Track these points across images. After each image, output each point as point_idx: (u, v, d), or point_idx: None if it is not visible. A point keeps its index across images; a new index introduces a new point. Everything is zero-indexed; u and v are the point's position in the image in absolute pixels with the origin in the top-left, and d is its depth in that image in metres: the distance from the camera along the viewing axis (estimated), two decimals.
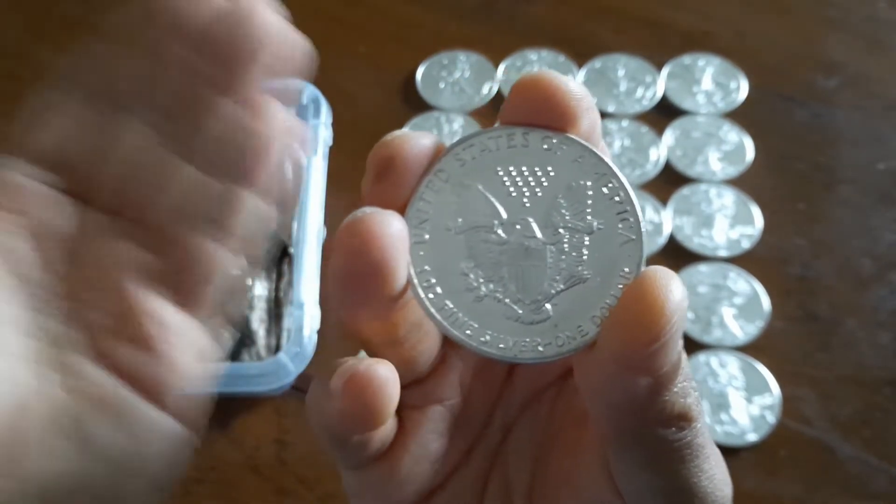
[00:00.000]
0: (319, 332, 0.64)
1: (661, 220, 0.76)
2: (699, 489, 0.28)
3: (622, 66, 0.88)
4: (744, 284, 0.73)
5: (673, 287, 0.24)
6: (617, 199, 0.28)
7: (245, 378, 0.62)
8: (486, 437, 0.33)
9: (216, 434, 0.68)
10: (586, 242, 0.27)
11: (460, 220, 0.28)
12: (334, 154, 0.74)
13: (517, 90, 0.28)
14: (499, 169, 0.28)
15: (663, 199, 0.78)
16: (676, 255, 0.75)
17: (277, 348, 0.68)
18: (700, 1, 0.92)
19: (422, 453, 0.31)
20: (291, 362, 0.62)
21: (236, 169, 0.32)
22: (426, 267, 0.28)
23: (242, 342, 0.68)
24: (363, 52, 0.90)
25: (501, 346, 0.27)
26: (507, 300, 0.27)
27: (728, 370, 0.69)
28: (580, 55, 0.89)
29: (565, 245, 0.27)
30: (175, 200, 0.32)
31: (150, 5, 0.32)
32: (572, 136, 0.28)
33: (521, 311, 0.27)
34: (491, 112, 0.85)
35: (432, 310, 0.27)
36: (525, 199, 0.28)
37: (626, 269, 0.27)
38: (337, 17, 0.94)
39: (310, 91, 0.74)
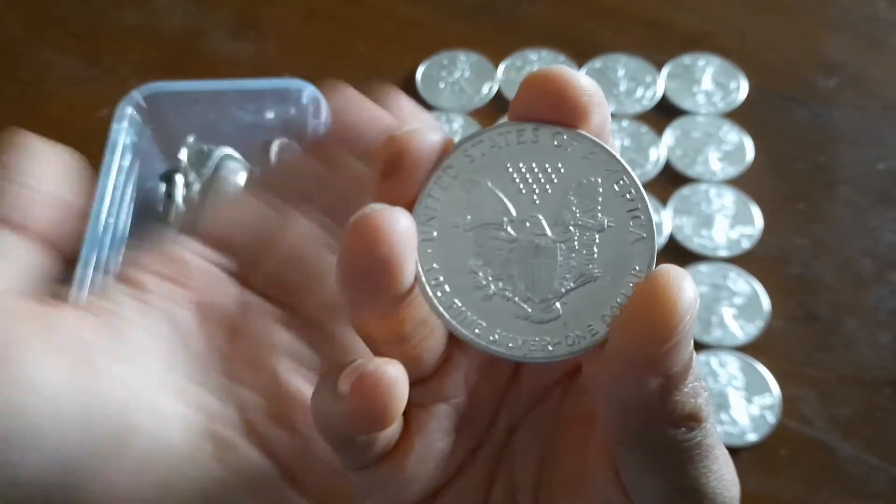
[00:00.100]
0: None
1: (660, 220, 0.76)
2: (708, 490, 0.28)
3: (622, 66, 0.88)
4: (744, 284, 0.73)
5: (685, 286, 0.24)
6: (628, 196, 0.27)
7: None
8: (492, 436, 0.33)
9: None
10: (597, 240, 0.27)
11: (469, 217, 0.28)
12: None
13: (527, 85, 0.27)
14: (508, 165, 0.28)
15: (663, 199, 0.78)
16: (676, 255, 0.75)
17: None
18: (700, 1, 0.93)
19: (427, 452, 0.30)
20: None
21: None
22: (434, 265, 0.27)
23: None
24: (363, 52, 0.90)
25: (510, 345, 0.27)
26: (516, 298, 0.27)
27: (728, 370, 0.69)
28: (580, 55, 0.89)
29: (575, 243, 0.27)
30: (329, 294, 0.35)
31: (338, 123, 0.35)
32: (583, 133, 0.28)
33: (530, 310, 0.27)
34: (491, 112, 0.85)
35: (440, 308, 0.27)
36: (535, 196, 0.27)
37: (637, 268, 0.27)
38: (337, 17, 0.94)
39: (310, 91, 0.74)
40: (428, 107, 0.86)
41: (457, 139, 0.28)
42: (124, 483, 0.32)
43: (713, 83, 0.86)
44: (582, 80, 0.27)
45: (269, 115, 0.77)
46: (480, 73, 0.88)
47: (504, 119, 0.29)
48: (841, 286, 0.73)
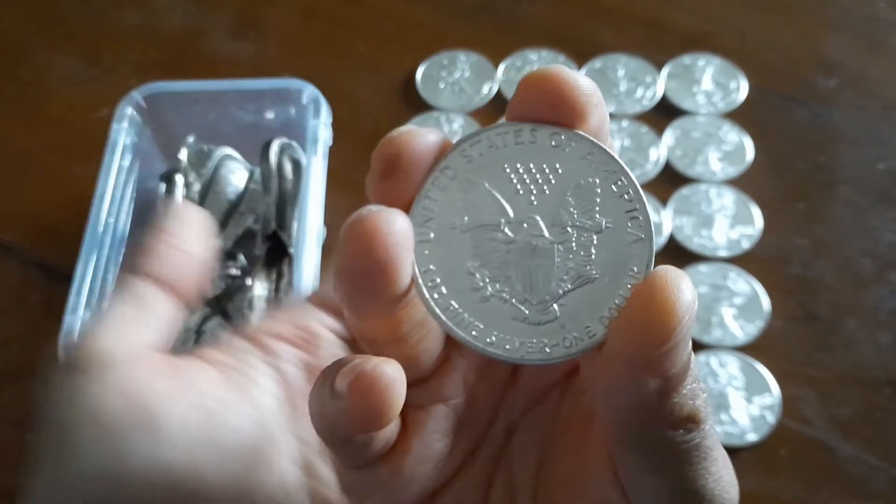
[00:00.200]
0: None
1: (660, 221, 0.76)
2: (707, 491, 0.28)
3: (622, 66, 0.88)
4: (744, 284, 0.73)
5: (683, 287, 0.24)
6: (626, 197, 0.27)
7: None
8: (490, 437, 0.33)
9: None
10: (595, 241, 0.27)
11: (466, 218, 0.27)
12: (334, 154, 0.74)
13: (525, 85, 0.27)
14: (506, 166, 0.28)
15: (663, 200, 0.78)
16: (676, 255, 0.75)
17: None
18: (700, 1, 0.93)
19: (425, 453, 0.30)
20: None
21: None
22: (431, 266, 0.27)
23: None
24: (363, 52, 0.90)
25: (508, 346, 0.27)
26: (513, 300, 0.27)
27: (728, 370, 0.69)
28: (580, 55, 0.89)
29: (573, 244, 0.27)
30: None
31: None
32: (581, 133, 0.27)
33: (527, 312, 0.27)
34: (491, 112, 0.85)
35: (437, 310, 0.27)
36: (532, 197, 0.27)
37: (636, 269, 0.26)
38: (337, 17, 0.94)
39: (310, 91, 0.74)
40: (428, 107, 0.86)
41: (456, 139, 0.28)
42: None
43: (713, 83, 0.86)
44: (580, 80, 0.27)
45: (269, 115, 0.77)
46: (480, 73, 0.88)
47: (502, 119, 0.28)
48: (841, 286, 0.73)
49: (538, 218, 0.27)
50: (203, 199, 0.73)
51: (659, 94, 0.85)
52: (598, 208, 0.27)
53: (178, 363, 0.38)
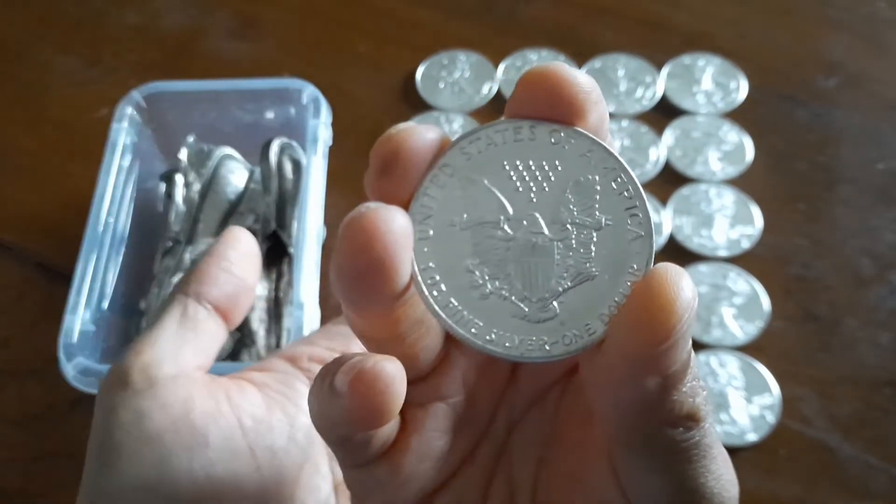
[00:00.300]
0: None
1: (660, 220, 0.76)
2: (706, 490, 0.28)
3: (622, 66, 0.88)
4: (744, 284, 0.73)
5: (683, 285, 0.24)
6: (626, 194, 0.27)
7: None
8: (490, 436, 0.33)
9: None
10: (594, 239, 0.27)
11: (465, 215, 0.27)
12: (334, 154, 0.74)
13: (524, 82, 0.27)
14: (505, 163, 0.28)
15: (663, 199, 0.78)
16: (676, 255, 0.75)
17: (277, 348, 0.68)
18: (700, 1, 0.93)
19: (425, 451, 0.30)
20: None
21: None
22: (430, 264, 0.27)
23: (242, 342, 0.68)
24: (363, 52, 0.90)
25: (507, 344, 0.27)
26: (513, 298, 0.27)
27: (728, 370, 0.69)
28: (580, 55, 0.89)
29: (573, 241, 0.27)
30: None
31: None
32: (580, 130, 0.27)
33: (527, 309, 0.27)
34: (491, 112, 0.85)
35: (436, 307, 0.27)
36: (532, 195, 0.27)
37: (635, 266, 0.26)
38: (337, 17, 0.94)
39: (310, 91, 0.74)
40: (428, 107, 0.86)
41: (462, 133, 0.28)
42: None
43: (713, 83, 0.86)
44: (579, 77, 0.26)
45: (269, 115, 0.77)
46: (480, 73, 0.88)
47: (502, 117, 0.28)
48: (841, 286, 0.73)
49: (538, 215, 0.27)
50: (203, 199, 0.73)
51: (659, 94, 0.85)
52: (597, 205, 0.27)
53: (223, 383, 0.40)
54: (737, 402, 0.67)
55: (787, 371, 0.69)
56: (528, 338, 0.27)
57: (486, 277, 0.27)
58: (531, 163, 0.27)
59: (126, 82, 0.81)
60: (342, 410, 0.27)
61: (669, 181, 0.79)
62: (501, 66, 0.88)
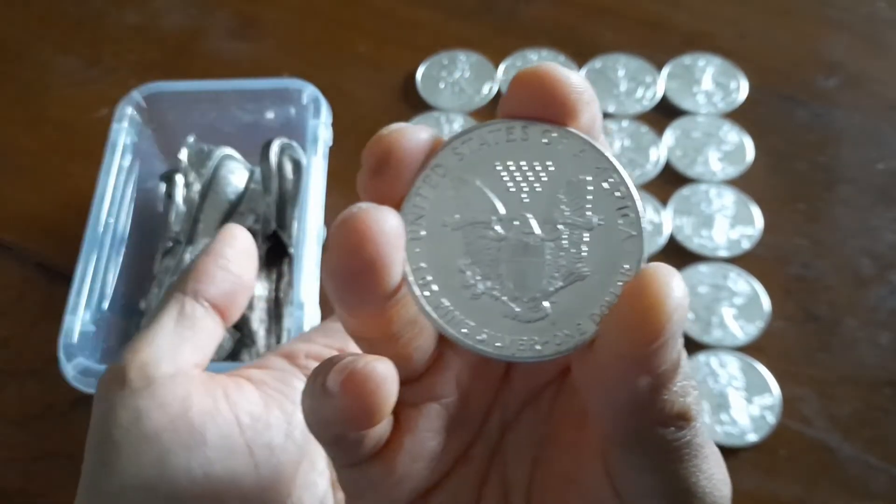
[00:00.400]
0: None
1: (661, 221, 0.76)
2: (698, 489, 0.28)
3: (622, 66, 0.88)
4: (744, 284, 0.73)
5: (674, 284, 0.24)
6: (618, 194, 0.27)
7: None
8: (485, 436, 0.33)
9: None
10: (586, 239, 0.27)
11: (457, 215, 0.27)
12: (334, 154, 0.74)
13: (517, 82, 0.27)
14: (497, 163, 0.27)
15: (663, 200, 0.78)
16: (676, 255, 0.75)
17: None
18: (700, 1, 0.93)
19: (418, 451, 0.30)
20: None
21: None
22: (422, 264, 0.27)
23: (242, 342, 0.68)
24: (363, 52, 0.90)
25: (498, 344, 0.27)
26: (504, 298, 0.27)
27: (728, 370, 0.69)
28: (580, 55, 0.89)
29: (564, 241, 0.27)
30: None
31: None
32: (573, 130, 0.27)
33: (518, 309, 0.27)
34: (491, 112, 0.85)
35: (428, 307, 0.27)
36: (524, 195, 0.27)
37: (627, 266, 0.26)
38: (337, 17, 0.94)
39: (310, 91, 0.74)
40: (428, 107, 0.86)
41: (454, 133, 0.28)
42: None
43: (713, 83, 0.86)
44: (571, 77, 0.26)
45: (269, 115, 0.77)
46: (480, 73, 0.88)
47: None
48: (841, 286, 0.73)
49: (529, 215, 0.27)
50: (203, 199, 0.73)
51: (659, 94, 0.85)
52: (589, 206, 0.27)
53: (221, 381, 0.40)
54: (737, 402, 0.67)
55: (788, 371, 0.69)
56: (519, 338, 0.27)
57: (478, 277, 0.27)
58: (523, 163, 0.27)
59: (126, 82, 0.82)
60: (334, 410, 0.27)
61: (670, 181, 0.79)
62: (501, 66, 0.88)
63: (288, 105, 0.76)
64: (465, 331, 0.27)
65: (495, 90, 0.86)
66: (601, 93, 0.86)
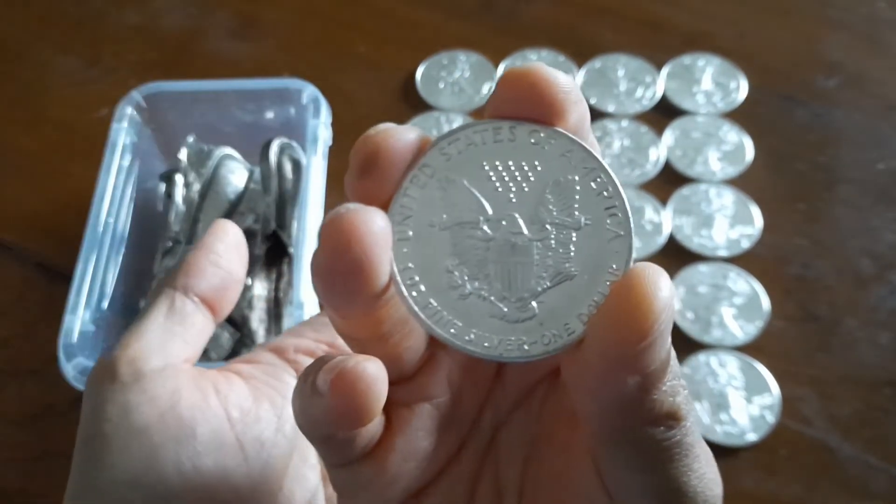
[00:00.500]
0: None
1: (660, 220, 0.76)
2: (689, 488, 0.28)
3: (622, 66, 0.88)
4: (744, 284, 0.73)
5: (661, 284, 0.24)
6: (605, 194, 0.27)
7: None
8: (477, 435, 0.33)
9: None
10: (574, 239, 0.27)
11: (445, 216, 0.27)
12: (334, 154, 0.74)
13: (504, 83, 0.27)
14: (485, 163, 0.27)
15: (663, 199, 0.78)
16: (676, 255, 0.75)
17: None
18: (700, 1, 0.93)
19: (410, 451, 0.30)
20: None
21: None
22: (410, 264, 0.27)
23: (242, 342, 0.68)
24: (363, 52, 0.91)
25: (486, 344, 0.27)
26: (492, 298, 0.27)
27: (728, 370, 0.69)
28: (580, 55, 0.89)
29: (552, 241, 0.27)
30: None
31: None
32: (560, 130, 0.27)
33: (506, 309, 0.27)
34: None
35: (416, 308, 0.27)
36: (511, 195, 0.27)
37: (615, 266, 0.26)
38: (337, 17, 0.94)
39: (310, 91, 0.74)
40: (428, 107, 0.86)
41: (442, 133, 0.28)
42: None
43: (713, 83, 0.86)
44: (559, 77, 0.26)
45: (269, 115, 0.77)
46: (480, 73, 0.88)
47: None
48: (841, 286, 0.73)
49: (517, 215, 0.27)
50: (203, 199, 0.73)
51: (659, 94, 0.85)
52: (577, 205, 0.27)
53: (210, 375, 0.40)
54: (737, 402, 0.67)
55: (787, 371, 0.69)
56: (507, 338, 0.27)
57: (466, 278, 0.27)
58: (511, 163, 0.27)
59: (126, 82, 0.82)
60: (324, 410, 0.27)
61: (669, 181, 0.79)
62: (501, 66, 0.88)
63: (288, 105, 0.76)
64: (453, 331, 0.27)
65: None
66: (601, 93, 0.86)
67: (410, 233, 0.27)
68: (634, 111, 0.84)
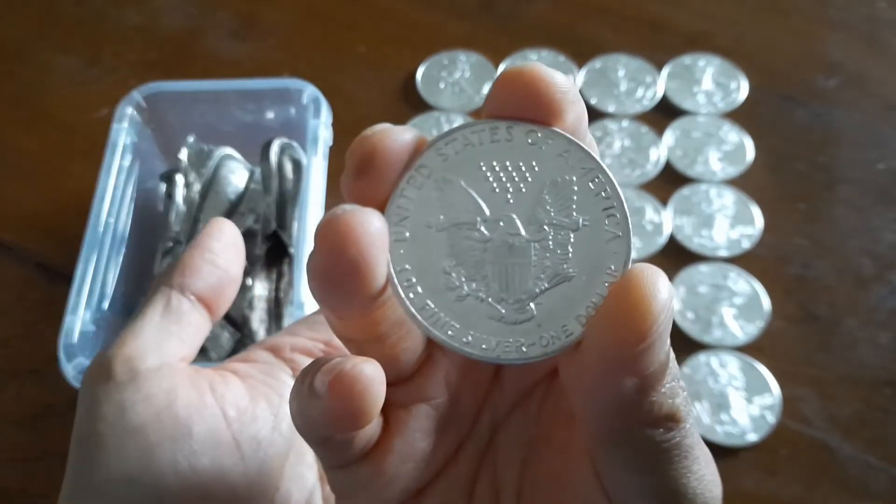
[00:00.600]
0: None
1: (661, 220, 0.76)
2: (688, 490, 0.28)
3: (622, 66, 0.88)
4: (744, 284, 0.73)
5: (660, 285, 0.24)
6: (603, 194, 0.27)
7: None
8: (475, 437, 0.33)
9: None
10: (571, 239, 0.26)
11: (442, 217, 0.27)
12: (334, 154, 0.74)
13: (501, 83, 0.27)
14: (482, 164, 0.27)
15: (663, 199, 0.78)
16: (676, 255, 0.75)
17: None
18: (700, 1, 0.92)
19: (408, 452, 0.30)
20: None
21: None
22: (406, 265, 0.27)
23: (243, 342, 0.68)
24: (363, 52, 0.91)
25: (484, 346, 0.26)
26: (489, 299, 0.27)
27: (728, 370, 0.69)
28: (580, 55, 0.89)
29: (550, 242, 0.27)
30: None
31: None
32: (558, 130, 0.27)
33: (504, 311, 0.27)
34: None
35: (413, 310, 0.27)
36: (509, 196, 0.27)
37: (613, 267, 0.26)
38: (337, 17, 0.94)
39: (310, 91, 0.74)
40: (428, 107, 0.86)
41: (439, 134, 0.28)
42: None
43: (713, 83, 0.86)
44: (556, 77, 0.26)
45: (269, 115, 0.77)
46: (480, 73, 0.88)
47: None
48: (841, 286, 0.73)
49: (514, 216, 0.27)
50: (203, 199, 0.73)
51: (659, 94, 0.85)
52: (574, 206, 0.27)
53: (206, 374, 0.40)
54: (737, 402, 0.67)
55: (787, 371, 0.68)
56: (504, 339, 0.26)
57: (463, 279, 0.27)
58: (508, 163, 0.27)
59: (126, 82, 0.82)
60: (322, 412, 0.27)
61: (670, 181, 0.79)
62: (501, 66, 0.88)
63: (288, 105, 0.76)
64: (450, 333, 0.27)
65: None
66: (601, 93, 0.86)
67: (407, 234, 0.27)
68: (635, 111, 0.84)
